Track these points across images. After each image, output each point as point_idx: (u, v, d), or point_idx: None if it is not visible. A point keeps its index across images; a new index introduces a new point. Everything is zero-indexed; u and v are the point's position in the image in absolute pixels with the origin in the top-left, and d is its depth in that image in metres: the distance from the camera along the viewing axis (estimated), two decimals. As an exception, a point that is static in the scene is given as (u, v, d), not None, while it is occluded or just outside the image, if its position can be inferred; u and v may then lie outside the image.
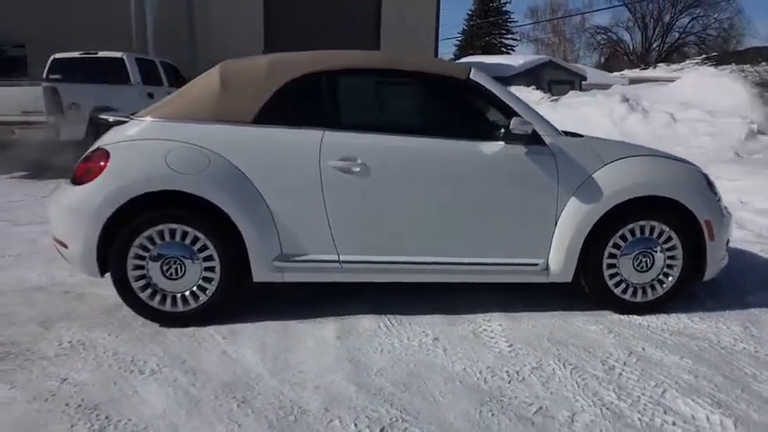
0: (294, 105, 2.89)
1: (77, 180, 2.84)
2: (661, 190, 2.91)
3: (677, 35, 40.63)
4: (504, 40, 47.45)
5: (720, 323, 2.93)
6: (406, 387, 2.31)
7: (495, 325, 2.90)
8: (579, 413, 2.14)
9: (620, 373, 2.42)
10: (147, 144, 2.79)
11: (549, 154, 2.88)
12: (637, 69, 25.82)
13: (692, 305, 3.14)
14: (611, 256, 2.96)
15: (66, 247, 2.84)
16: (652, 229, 2.95)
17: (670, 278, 3.01)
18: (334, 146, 2.79)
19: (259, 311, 3.01)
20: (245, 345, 2.66)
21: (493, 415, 2.13)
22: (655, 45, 41.98)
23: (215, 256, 2.78)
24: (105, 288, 3.32)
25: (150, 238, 2.76)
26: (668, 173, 3.00)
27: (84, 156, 2.92)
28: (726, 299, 3.24)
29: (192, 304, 2.83)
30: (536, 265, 2.94)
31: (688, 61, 23.35)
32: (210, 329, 2.82)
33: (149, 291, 2.81)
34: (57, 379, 2.35)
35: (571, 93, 12.29)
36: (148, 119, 2.89)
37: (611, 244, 2.94)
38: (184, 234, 2.76)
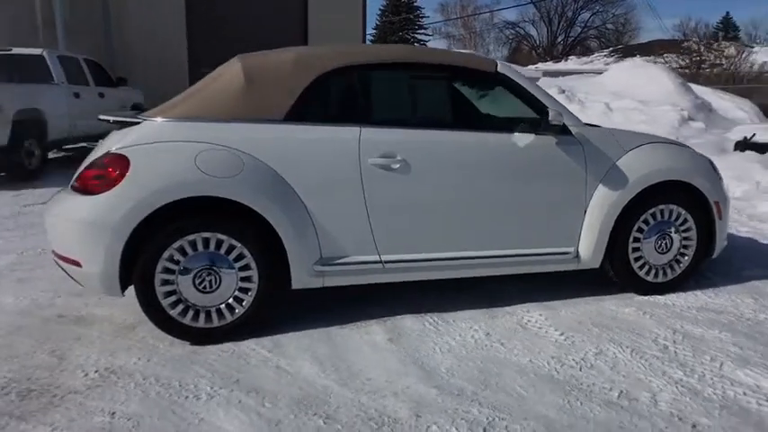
0: (326, 101, 2.77)
1: (87, 189, 2.55)
2: (678, 174, 3.09)
3: (579, 29, 43.46)
4: (416, 36, 48.40)
5: (733, 297, 3.16)
6: (485, 384, 2.29)
7: (536, 315, 2.94)
8: (658, 393, 2.23)
9: (675, 352, 2.54)
10: (171, 147, 2.56)
11: (576, 143, 2.96)
12: (550, 62, 27.25)
13: (701, 282, 3.36)
14: (636, 240, 3.10)
15: (78, 266, 2.54)
16: (671, 212, 3.12)
17: (686, 257, 3.20)
18: (372, 142, 2.70)
19: (294, 320, 2.85)
20: (296, 356, 2.52)
21: (582, 403, 2.16)
22: (559, 39, 44.61)
23: (252, 264, 2.60)
24: (103, 307, 3.05)
25: (181, 250, 2.53)
26: (682, 158, 3.19)
27: (90, 162, 2.62)
28: (725, 274, 3.50)
29: (228, 318, 2.63)
30: (568, 253, 3.02)
31: (597, 54, 25.01)
32: (250, 343, 2.64)
33: (180, 307, 2.58)
34: (104, 414, 2.10)
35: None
36: (159, 119, 2.65)
37: (635, 228, 3.08)
38: (219, 243, 2.57)
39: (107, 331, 2.80)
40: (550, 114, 2.78)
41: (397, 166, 2.72)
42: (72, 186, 2.68)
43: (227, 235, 2.56)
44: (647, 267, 3.14)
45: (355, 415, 2.10)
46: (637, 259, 3.12)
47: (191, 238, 2.53)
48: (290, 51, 2.85)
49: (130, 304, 2.99)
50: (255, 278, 2.62)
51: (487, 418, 2.07)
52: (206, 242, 2.55)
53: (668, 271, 3.19)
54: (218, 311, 2.62)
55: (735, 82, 17.45)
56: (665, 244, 3.14)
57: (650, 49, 23.33)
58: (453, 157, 2.80)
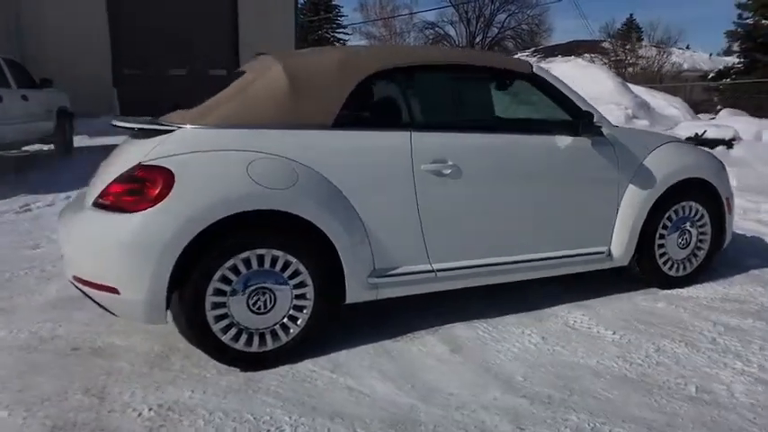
0: (373, 105, 2.67)
1: (121, 206, 2.29)
2: (697, 172, 3.26)
3: (497, 30, 45.08)
4: (335, 35, 48.26)
5: (745, 287, 3.37)
6: (569, 390, 2.30)
7: (578, 315, 3.00)
8: (730, 385, 2.33)
9: (725, 343, 2.67)
10: (219, 156, 2.35)
11: (609, 144, 3.04)
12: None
13: (710, 274, 3.56)
14: (661, 236, 3.23)
15: (115, 293, 2.28)
16: (690, 208, 3.29)
17: (701, 251, 3.38)
18: (424, 148, 2.63)
19: (340, 336, 2.72)
20: (363, 375, 2.40)
21: (667, 401, 2.21)
22: (478, 39, 46.02)
23: (308, 280, 2.46)
24: (119, 336, 2.79)
25: (234, 269, 2.34)
26: (698, 157, 3.37)
27: (120, 175, 2.35)
28: (725, 265, 3.74)
29: (283, 339, 2.47)
30: (602, 252, 3.10)
31: (519, 54, 26.10)
32: (307, 364, 2.49)
33: (233, 331, 2.38)
34: (184, 458, 1.90)
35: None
36: (191, 126, 2.44)
37: (661, 225, 3.21)
38: (273, 259, 2.39)
39: (138, 362, 2.54)
40: (597, 117, 2.83)
41: (449, 171, 2.66)
42: (96, 203, 2.40)
43: (282, 250, 2.39)
44: (670, 262, 3.29)
45: (440, 429, 2.03)
46: (662, 255, 3.26)
47: (244, 255, 2.34)
48: (330, 52, 2.72)
49: (148, 331, 2.78)
50: (311, 294, 2.47)
51: (589, 425, 2.07)
52: (260, 259, 2.38)
53: (687, 265, 3.36)
54: (273, 333, 2.45)
55: (656, 81, 18.80)
56: (685, 239, 3.31)
57: (570, 50, 24.74)
58: (500, 161, 2.79)
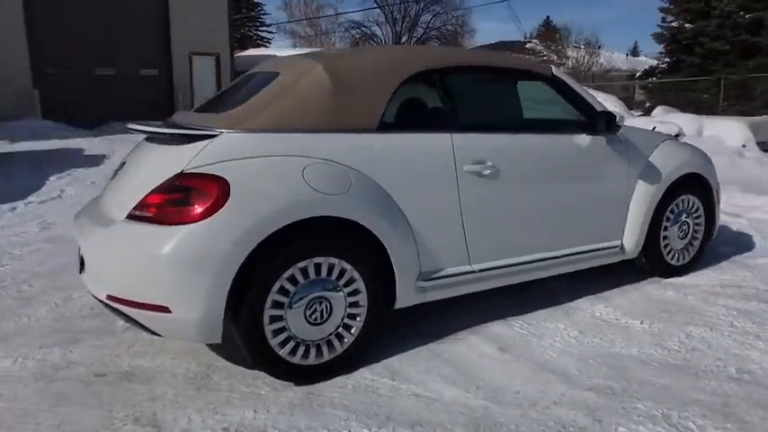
0: (413, 107, 2.64)
1: (167, 219, 2.13)
2: (695, 167, 3.49)
3: (422, 30, 45.86)
4: (258, 33, 47.26)
5: (736, 272, 3.65)
6: (626, 380, 2.39)
7: (601, 307, 3.12)
8: (762, 363, 2.51)
9: (742, 326, 2.88)
10: (273, 163, 2.25)
11: (620, 142, 3.19)
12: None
13: (699, 263, 3.80)
14: (665, 228, 3.43)
15: (166, 312, 2.12)
16: (688, 200, 3.51)
17: (697, 241, 3.63)
18: (465, 149, 2.64)
19: (384, 341, 2.67)
20: (424, 380, 2.38)
21: (716, 384, 2.36)
22: (404, 39, 46.60)
23: (361, 287, 2.40)
24: (145, 357, 2.65)
25: (292, 279, 2.24)
26: (693, 153, 3.61)
27: (160, 185, 2.19)
28: (707, 254, 4.02)
29: (338, 349, 2.39)
30: (616, 246, 3.25)
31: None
32: (363, 373, 2.44)
33: (291, 344, 2.29)
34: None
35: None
36: (230, 131, 2.31)
37: (664, 218, 3.41)
38: (330, 267, 2.32)
39: (180, 385, 2.37)
40: (619, 117, 2.96)
41: (488, 172, 2.69)
42: (132, 216, 2.22)
43: (338, 257, 2.32)
44: (672, 253, 3.50)
45: (541, 428, 2.06)
46: (665, 246, 3.46)
47: (302, 264, 2.25)
48: (368, 52, 2.67)
49: (174, 350, 2.64)
50: (364, 302, 2.42)
51: (658, 412, 2.16)
52: (317, 268, 2.29)
53: (685, 254, 3.59)
54: (329, 343, 2.37)
55: (588, 80, 19.87)
56: (684, 230, 3.53)
57: (497, 50, 25.68)
58: (532, 161, 2.86)
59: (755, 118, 8.48)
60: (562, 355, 2.60)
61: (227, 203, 2.11)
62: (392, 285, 2.49)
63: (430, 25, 45.73)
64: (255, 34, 47.14)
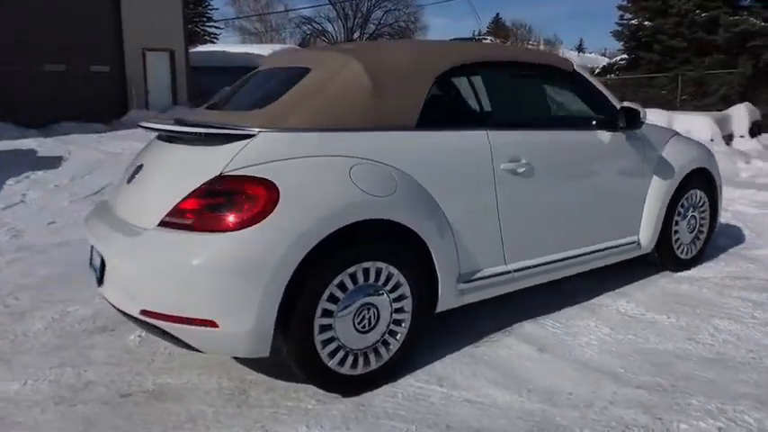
0: (448, 104, 2.58)
1: (207, 226, 2.00)
2: (702, 163, 3.59)
3: (374, 27, 45.79)
4: (206, 28, 46.08)
5: (739, 264, 3.76)
6: (672, 375, 2.41)
7: (623, 303, 3.15)
8: (792, 353, 2.60)
9: (763, 317, 2.96)
10: (318, 163, 2.14)
11: (637, 138, 3.23)
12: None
13: (701, 256, 3.92)
14: (676, 222, 3.51)
15: (213, 326, 1.98)
16: (696, 195, 3.60)
17: (702, 234, 3.73)
18: (501, 146, 2.61)
19: (424, 345, 2.60)
20: (473, 386, 2.33)
21: (755, 375, 2.41)
22: (356, 36, 46.42)
23: (407, 291, 2.33)
24: (170, 374, 2.51)
25: (342, 286, 2.15)
26: (699, 148, 3.70)
27: (197, 189, 2.04)
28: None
29: (385, 357, 2.32)
30: (634, 242, 3.29)
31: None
32: (409, 380, 2.36)
33: (340, 354, 2.19)
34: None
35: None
36: (264, 130, 2.18)
37: (676, 212, 3.48)
38: (377, 272, 2.23)
39: (217, 402, 2.24)
40: (642, 114, 2.99)
41: (523, 169, 2.67)
42: (165, 223, 2.07)
43: (386, 262, 2.24)
44: (681, 246, 3.59)
45: (605, 429, 2.05)
46: (676, 240, 3.53)
47: (351, 270, 2.16)
48: (402, 47, 2.60)
49: (197, 365, 2.52)
50: (409, 307, 2.35)
51: (714, 406, 2.18)
52: (365, 273, 2.20)
53: (693, 248, 3.68)
54: (375, 351, 2.29)
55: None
56: (691, 224, 3.62)
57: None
58: (562, 158, 2.86)
59: (720, 113, 8.88)
60: (602, 353, 2.61)
61: (277, 208, 1.99)
62: (433, 289, 2.43)
63: (382, 21, 45.89)
64: (203, 30, 45.90)
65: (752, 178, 6.93)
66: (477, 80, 2.69)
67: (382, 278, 2.25)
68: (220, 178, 2.06)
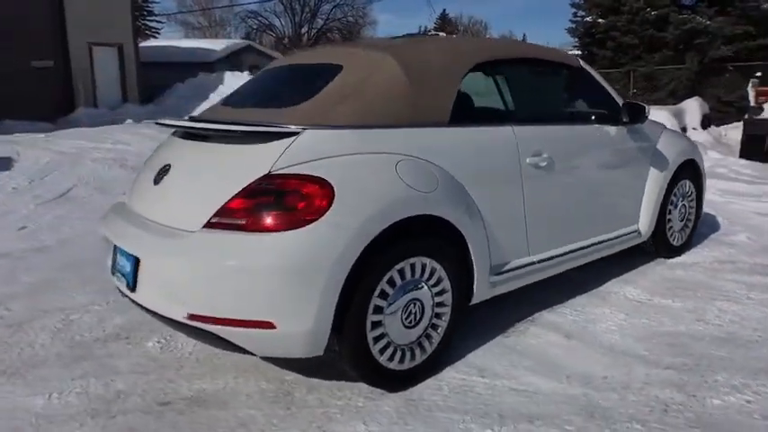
0: (476, 100, 2.64)
1: (261, 226, 1.97)
2: (690, 154, 3.80)
3: (321, 21, 45.44)
4: (147, 23, 44.49)
5: (722, 250, 4.01)
6: (690, 355, 2.56)
7: (630, 289, 3.32)
8: (798, 329, 2.81)
9: (759, 297, 3.18)
10: (368, 160, 2.15)
11: (637, 131, 3.40)
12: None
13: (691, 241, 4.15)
14: (669, 212, 3.70)
15: (270, 327, 1.96)
16: (686, 185, 3.81)
17: (691, 222, 3.95)
18: (526, 141, 2.69)
19: (456, 337, 2.66)
20: (514, 374, 2.40)
21: (768, 351, 2.61)
22: (304, 30, 45.94)
23: (447, 286, 2.37)
24: (202, 379, 2.49)
25: (391, 282, 2.17)
26: (688, 140, 3.93)
27: (245, 188, 2.02)
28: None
29: (428, 350, 2.36)
30: (635, 231, 3.46)
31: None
32: (449, 372, 2.42)
33: (390, 350, 2.21)
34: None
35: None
36: (308, 128, 2.16)
37: (670, 201, 3.68)
38: (422, 267, 2.27)
39: (263, 405, 2.22)
40: (648, 109, 3.14)
41: (545, 164, 2.76)
42: (212, 224, 2.03)
43: (429, 257, 2.28)
44: (673, 234, 3.79)
45: (646, 408, 2.16)
46: (669, 228, 3.73)
47: (400, 266, 2.18)
48: (428, 43, 2.62)
49: (227, 367, 2.53)
50: (449, 300, 2.40)
51: (738, 382, 2.34)
52: (412, 268, 2.23)
53: (683, 235, 3.90)
54: (420, 345, 2.33)
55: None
56: (683, 212, 3.83)
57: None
58: (577, 151, 2.98)
59: (674, 107, 9.39)
60: (624, 337, 2.74)
61: (332, 205, 1.99)
62: (469, 282, 2.48)
63: (330, 16, 45.60)
64: (143, 24, 44.24)
65: (711, 168, 7.34)
66: (501, 76, 2.77)
67: (426, 273, 2.29)
68: (270, 177, 2.03)
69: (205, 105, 14.66)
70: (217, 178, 2.15)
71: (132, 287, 2.22)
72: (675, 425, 2.08)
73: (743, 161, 8.10)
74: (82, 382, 2.41)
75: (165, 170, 2.37)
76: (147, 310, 2.21)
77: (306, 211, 1.98)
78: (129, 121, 12.60)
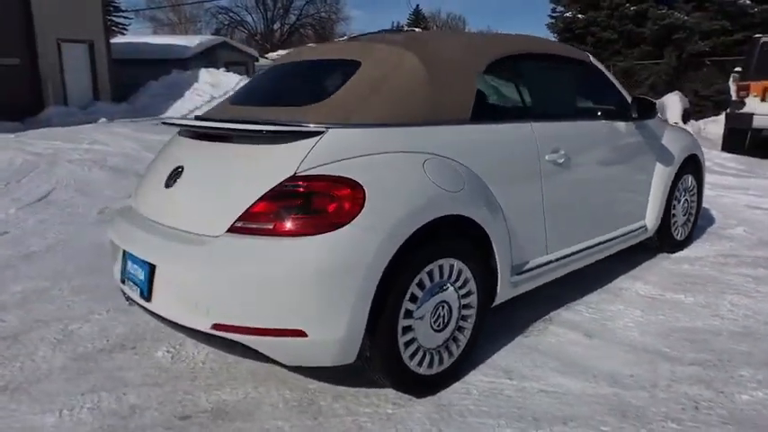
0: (494, 97, 2.60)
1: (289, 230, 1.90)
2: (693, 149, 3.84)
3: (294, 17, 45.04)
4: (114, 18, 43.46)
5: (723, 243, 4.08)
6: (711, 351, 2.58)
7: (640, 285, 3.33)
8: (810, 320, 2.86)
9: (767, 290, 3.23)
10: (396, 160, 2.09)
11: (644, 127, 3.42)
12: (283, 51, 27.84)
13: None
14: (673, 206, 3.74)
15: (301, 335, 1.89)
16: (689, 179, 3.86)
17: (692, 216, 4.00)
18: (544, 138, 2.67)
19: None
20: (540, 375, 2.38)
21: (786, 344, 2.64)
22: (276, 26, 45.49)
23: (473, 288, 2.34)
24: (222, 389, 2.41)
25: (420, 285, 2.12)
26: (689, 136, 3.95)
27: (271, 191, 1.94)
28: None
29: (455, 354, 2.32)
30: (643, 226, 3.48)
31: (337, 39, 26.55)
32: (476, 376, 2.39)
33: (420, 355, 2.17)
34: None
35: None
36: (332, 127, 2.10)
37: (674, 197, 3.71)
38: (450, 269, 2.22)
39: (289, 416, 2.15)
40: (659, 104, 3.15)
41: (562, 160, 2.75)
42: (236, 229, 1.95)
43: (456, 258, 2.23)
44: (677, 229, 3.83)
45: (678, 406, 2.16)
46: (673, 223, 3.77)
47: (428, 268, 2.14)
48: (450, 39, 2.58)
49: (244, 377, 2.45)
50: (474, 302, 2.36)
51: (762, 377, 2.37)
52: (440, 270, 2.19)
53: (685, 230, 3.94)
54: (447, 349, 2.29)
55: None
56: (686, 207, 3.87)
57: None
58: (591, 148, 2.97)
59: (657, 101, 9.51)
60: (644, 334, 2.75)
61: (364, 207, 1.93)
62: (493, 282, 2.45)
63: (303, 12, 45.21)
64: (110, 20, 43.21)
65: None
66: (518, 72, 2.74)
67: (453, 275, 2.25)
68: (296, 178, 1.96)
69: (180, 103, 14.38)
70: (238, 180, 2.07)
71: (147, 296, 2.13)
72: (709, 422, 2.09)
73: (726, 154, 8.28)
74: (92, 396, 2.30)
75: (177, 172, 2.28)
76: (164, 320, 2.12)
77: (337, 213, 1.91)
78: (103, 119, 12.28)
